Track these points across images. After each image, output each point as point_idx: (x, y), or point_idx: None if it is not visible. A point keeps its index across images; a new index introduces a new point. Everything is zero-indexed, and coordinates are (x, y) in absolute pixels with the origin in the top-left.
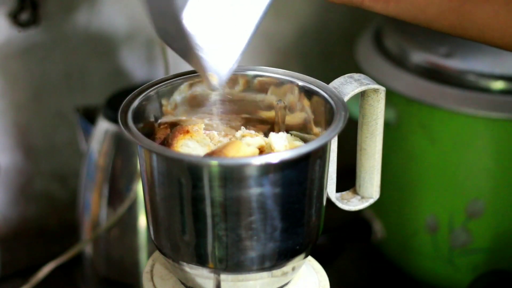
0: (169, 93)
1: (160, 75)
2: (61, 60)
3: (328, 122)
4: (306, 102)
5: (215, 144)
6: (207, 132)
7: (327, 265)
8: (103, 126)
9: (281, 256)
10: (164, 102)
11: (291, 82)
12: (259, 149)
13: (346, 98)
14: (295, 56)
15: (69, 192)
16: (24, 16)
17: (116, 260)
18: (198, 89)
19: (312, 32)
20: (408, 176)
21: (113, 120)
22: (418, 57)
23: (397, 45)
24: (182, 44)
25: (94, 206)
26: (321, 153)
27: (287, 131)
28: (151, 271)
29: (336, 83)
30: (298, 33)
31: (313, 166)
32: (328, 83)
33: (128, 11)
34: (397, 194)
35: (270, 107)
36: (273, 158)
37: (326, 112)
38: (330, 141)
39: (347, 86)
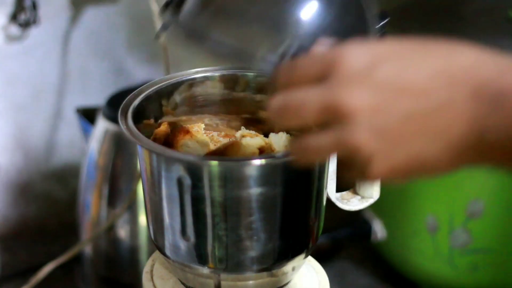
0: (169, 93)
1: (160, 75)
2: (61, 60)
3: None
4: None
5: (215, 144)
6: (207, 132)
7: (327, 265)
8: (103, 126)
9: (281, 256)
10: (164, 102)
11: None
12: (259, 149)
13: None
14: None
15: (69, 192)
16: (24, 16)
17: (116, 260)
18: (198, 89)
19: None
20: None
21: (113, 120)
22: None
23: None
24: None
25: (94, 206)
26: None
27: (287, 131)
28: (151, 271)
29: None
30: None
31: (313, 166)
32: None
33: (128, 11)
34: (397, 194)
35: None
36: (273, 158)
37: None
38: None
39: None
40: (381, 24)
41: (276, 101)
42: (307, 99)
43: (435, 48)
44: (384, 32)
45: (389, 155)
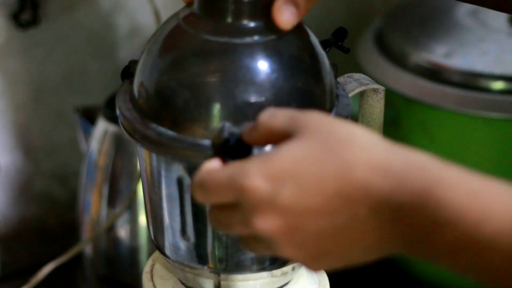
0: None
1: None
2: (61, 60)
3: None
4: None
5: None
6: None
7: None
8: (103, 126)
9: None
10: None
11: None
12: None
13: None
14: None
15: (69, 192)
16: (24, 16)
17: (116, 260)
18: None
19: (312, 31)
20: None
21: (113, 120)
22: (418, 57)
23: (397, 45)
24: None
25: (94, 206)
26: None
27: None
28: (151, 271)
29: None
30: None
31: None
32: None
33: (128, 11)
34: None
35: None
36: None
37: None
38: None
39: (347, 86)
40: (339, 43)
41: (209, 216)
42: (231, 226)
43: (328, 161)
44: (347, 49)
45: (317, 262)
